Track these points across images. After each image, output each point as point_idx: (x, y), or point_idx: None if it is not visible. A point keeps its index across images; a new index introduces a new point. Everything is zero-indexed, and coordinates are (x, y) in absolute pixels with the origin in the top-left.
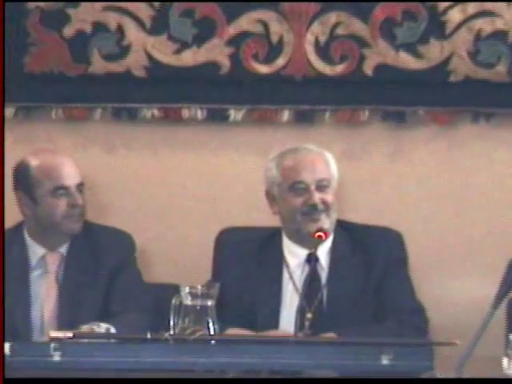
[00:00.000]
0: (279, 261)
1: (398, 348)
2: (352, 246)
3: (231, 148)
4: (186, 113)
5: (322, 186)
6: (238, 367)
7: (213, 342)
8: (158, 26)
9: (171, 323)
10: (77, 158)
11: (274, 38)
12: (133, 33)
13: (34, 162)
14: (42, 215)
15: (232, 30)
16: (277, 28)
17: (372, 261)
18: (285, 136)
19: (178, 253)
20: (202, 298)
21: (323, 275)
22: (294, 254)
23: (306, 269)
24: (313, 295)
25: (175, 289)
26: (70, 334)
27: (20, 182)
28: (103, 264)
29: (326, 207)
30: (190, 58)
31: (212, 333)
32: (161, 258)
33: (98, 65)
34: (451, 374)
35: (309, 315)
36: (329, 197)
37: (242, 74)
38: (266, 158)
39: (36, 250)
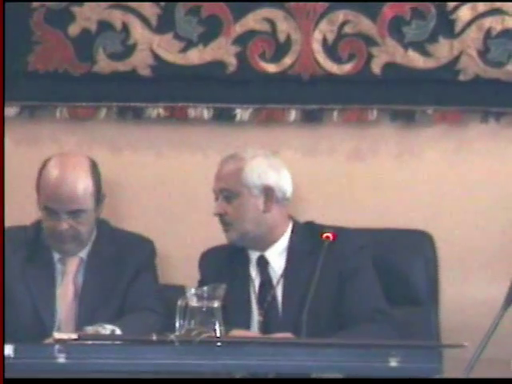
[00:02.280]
0: (246, 266)
1: (406, 350)
2: (311, 249)
3: (238, 148)
4: (191, 112)
5: (225, 197)
6: (244, 369)
7: (219, 343)
8: (163, 25)
9: (177, 325)
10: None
11: (282, 37)
12: (138, 31)
13: (48, 167)
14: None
15: (239, 28)
16: (284, 27)
17: (331, 264)
18: (292, 136)
19: (182, 252)
20: (208, 300)
21: (274, 277)
22: (250, 258)
23: (259, 273)
24: (264, 298)
25: (181, 290)
26: (74, 336)
27: (37, 183)
28: (123, 268)
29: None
30: (196, 56)
31: (218, 334)
32: (164, 259)
33: (103, 63)
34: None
35: (260, 318)
36: (229, 208)
37: (248, 73)
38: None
39: (54, 253)
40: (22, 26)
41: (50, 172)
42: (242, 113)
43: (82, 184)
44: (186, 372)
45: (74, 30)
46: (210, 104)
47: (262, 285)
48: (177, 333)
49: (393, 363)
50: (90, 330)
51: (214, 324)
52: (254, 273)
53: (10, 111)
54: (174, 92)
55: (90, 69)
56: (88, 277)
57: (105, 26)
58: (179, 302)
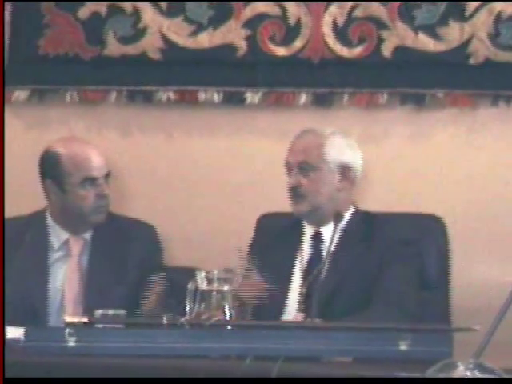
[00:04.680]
0: (300, 239)
1: (416, 334)
2: (364, 236)
3: (248, 131)
4: (202, 95)
5: (302, 169)
6: (254, 353)
7: (229, 327)
8: (174, 8)
9: (187, 308)
10: (91, 141)
11: (292, 20)
12: (148, 15)
13: (63, 151)
14: (70, 205)
15: (249, 11)
16: (294, 10)
17: (378, 246)
18: (302, 119)
19: (192, 236)
20: (219, 283)
21: (324, 254)
22: (305, 232)
23: (311, 248)
24: (310, 271)
25: (191, 273)
26: (85, 319)
27: (48, 171)
28: (127, 254)
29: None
30: (206, 40)
31: (228, 318)
32: (176, 242)
33: (114, 47)
34: (470, 361)
35: (303, 290)
36: (304, 180)
37: (258, 57)
38: (283, 141)
39: (60, 234)
40: (32, 10)
41: (70, 149)
42: (251, 96)
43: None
44: (197, 356)
45: (84, 13)
46: (220, 87)
47: (311, 258)
48: (187, 316)
49: (403, 347)
50: (99, 313)
51: (225, 307)
52: (306, 246)
53: (20, 95)
54: (184, 75)
55: (100, 52)
56: (92, 259)
57: (115, 9)
58: (189, 286)
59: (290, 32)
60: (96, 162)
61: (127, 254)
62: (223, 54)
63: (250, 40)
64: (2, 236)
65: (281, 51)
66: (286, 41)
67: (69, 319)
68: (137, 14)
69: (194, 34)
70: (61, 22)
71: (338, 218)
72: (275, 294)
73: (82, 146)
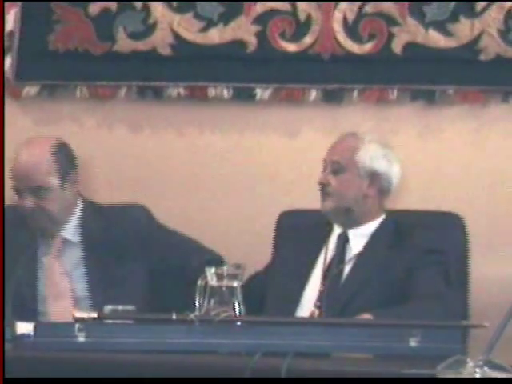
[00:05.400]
0: (325, 238)
1: (426, 330)
2: (392, 243)
3: (258, 127)
4: (211, 91)
5: (333, 169)
6: (264, 349)
7: (239, 323)
8: (184, 4)
9: (197, 304)
10: (101, 136)
11: (302, 16)
12: (159, 10)
13: (16, 151)
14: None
15: (259, 7)
16: (304, 6)
17: (405, 254)
18: (312, 115)
19: (203, 232)
20: (228, 279)
21: (348, 255)
22: (332, 231)
23: (336, 248)
24: (331, 271)
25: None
26: (94, 315)
27: None
28: (120, 241)
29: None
30: (216, 36)
31: (238, 314)
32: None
33: (124, 43)
34: (480, 357)
35: (321, 288)
36: (333, 180)
37: (268, 53)
38: (293, 137)
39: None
40: (42, 6)
41: (16, 155)
42: (261, 92)
43: (40, 162)
44: (206, 352)
45: (94, 8)
46: (230, 83)
47: (333, 258)
48: (196, 312)
49: (413, 343)
50: (109, 309)
51: (234, 303)
52: (330, 246)
53: (30, 91)
54: (194, 71)
55: (111, 48)
56: (80, 256)
57: (125, 5)
58: (199, 282)
59: (300, 28)
60: (24, 172)
61: (121, 241)
62: (233, 49)
63: (260, 36)
64: (1, 236)
65: (291, 47)
66: (296, 37)
67: (78, 315)
68: (147, 9)
69: (205, 29)
70: (71, 18)
71: (364, 222)
72: (291, 290)
73: (29, 152)
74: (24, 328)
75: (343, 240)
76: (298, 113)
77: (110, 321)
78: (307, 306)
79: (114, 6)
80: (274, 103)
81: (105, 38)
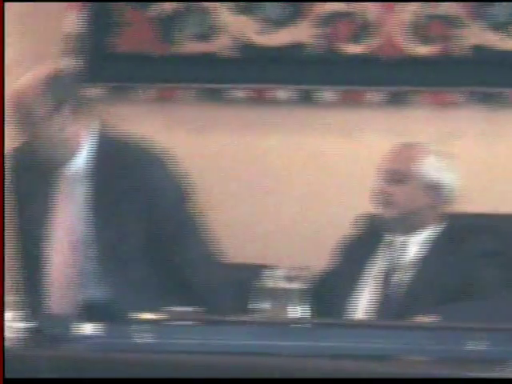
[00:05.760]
0: (384, 245)
1: (491, 333)
2: (454, 245)
3: (320, 129)
4: (275, 94)
5: (395, 179)
6: (323, 351)
7: (299, 325)
8: (248, 6)
9: (256, 306)
10: (164, 139)
11: (365, 18)
12: (221, 13)
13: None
14: None
15: (322, 9)
16: (368, 8)
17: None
18: (375, 117)
19: (265, 233)
20: (289, 281)
21: (408, 262)
22: (393, 239)
23: (395, 253)
24: (391, 279)
25: (262, 270)
26: (161, 316)
27: None
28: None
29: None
30: (278, 38)
31: (297, 316)
32: (249, 240)
33: (188, 45)
34: None
35: (381, 297)
36: (395, 190)
37: (331, 55)
38: (357, 140)
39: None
40: (108, 8)
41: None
42: (323, 94)
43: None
44: (265, 354)
45: (157, 11)
46: (293, 85)
47: (393, 266)
48: (257, 314)
49: (477, 346)
50: (176, 310)
51: (293, 305)
52: (390, 253)
53: (95, 93)
54: (257, 73)
55: (175, 50)
56: (87, 190)
57: (190, 6)
58: (258, 283)
59: (364, 30)
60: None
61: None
62: (295, 52)
63: (323, 38)
64: (1, 236)
65: (354, 49)
66: (360, 39)
67: (145, 315)
68: (210, 11)
69: (268, 32)
70: (135, 20)
71: (423, 228)
72: (349, 293)
73: None
74: (90, 328)
75: (403, 247)
76: (361, 115)
77: (176, 322)
78: (364, 310)
79: (178, 7)
80: (337, 105)
81: (167, 40)
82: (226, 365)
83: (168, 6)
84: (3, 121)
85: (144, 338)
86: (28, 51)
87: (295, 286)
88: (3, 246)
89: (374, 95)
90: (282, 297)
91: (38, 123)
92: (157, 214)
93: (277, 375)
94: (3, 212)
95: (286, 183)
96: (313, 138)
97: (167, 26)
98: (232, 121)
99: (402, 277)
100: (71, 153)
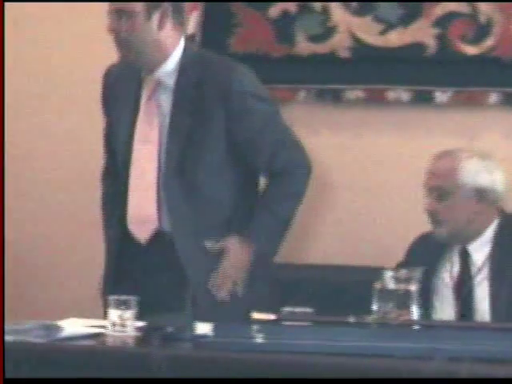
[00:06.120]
0: (446, 256)
1: None
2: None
3: (436, 131)
4: (390, 94)
5: (437, 195)
6: (442, 353)
7: (416, 327)
8: (363, 7)
9: (374, 307)
10: None
11: (483, 19)
12: (338, 13)
13: None
14: None
15: (439, 10)
16: (485, 8)
17: None
18: (492, 119)
19: (371, 235)
20: (406, 282)
21: (473, 269)
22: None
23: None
24: (461, 289)
25: (378, 272)
26: (272, 317)
27: None
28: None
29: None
30: (395, 38)
31: (415, 318)
32: (370, 240)
33: (303, 46)
34: None
35: (456, 309)
36: (440, 207)
37: (448, 55)
38: (472, 142)
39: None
40: (223, 9)
41: None
42: (441, 95)
43: None
44: (383, 355)
45: (274, 12)
46: (409, 86)
47: (460, 276)
48: (374, 315)
49: None
50: (287, 310)
51: (411, 307)
52: (454, 263)
53: None
54: (372, 74)
55: (290, 51)
56: (170, 102)
57: (305, 7)
58: (376, 285)
59: (481, 31)
60: None
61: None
62: (412, 52)
63: (440, 39)
64: (1, 237)
65: (471, 50)
66: (477, 39)
67: (256, 316)
68: (326, 12)
69: (384, 32)
70: (251, 21)
71: (481, 233)
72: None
73: None
74: (202, 328)
75: (465, 255)
76: (477, 116)
77: (287, 322)
78: None
79: (293, 8)
80: (453, 106)
81: (284, 41)
82: (342, 366)
83: (284, 6)
84: (3, 121)
85: (258, 338)
86: None
87: (412, 287)
88: (3, 246)
89: (491, 96)
90: (398, 298)
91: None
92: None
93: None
94: (3, 212)
95: (402, 183)
96: (429, 138)
97: (284, 27)
98: (348, 121)
99: (475, 286)
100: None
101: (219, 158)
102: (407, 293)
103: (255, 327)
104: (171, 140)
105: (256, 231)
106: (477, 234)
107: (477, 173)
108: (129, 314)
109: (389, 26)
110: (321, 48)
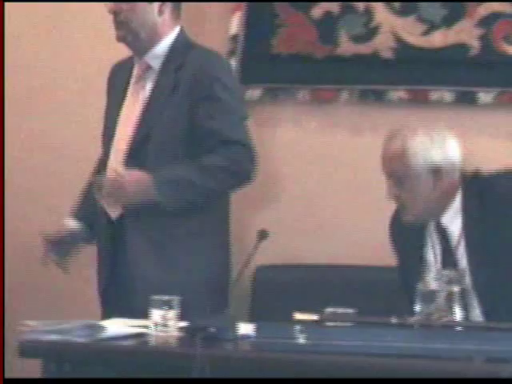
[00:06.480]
0: (424, 234)
1: None
2: (483, 205)
3: (480, 131)
4: (433, 95)
5: (395, 180)
6: (485, 355)
7: (459, 328)
8: (406, 7)
9: (417, 308)
10: (323, 139)
11: None
12: (381, 14)
13: None
14: None
15: (483, 10)
16: None
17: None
18: None
19: None
20: (449, 284)
21: (453, 242)
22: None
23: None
24: (445, 264)
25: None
26: (314, 317)
27: None
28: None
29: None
30: (438, 39)
31: (458, 319)
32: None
33: (346, 46)
34: None
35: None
36: (400, 191)
37: (492, 56)
38: None
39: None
40: (266, 10)
41: None
42: (484, 96)
43: None
44: (426, 356)
45: (317, 12)
46: (452, 87)
47: (443, 251)
48: (417, 317)
49: None
50: (329, 311)
51: (454, 308)
52: (433, 239)
53: (253, 94)
54: (415, 75)
55: (333, 51)
56: (154, 89)
57: (348, 8)
58: (419, 286)
59: None
60: None
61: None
62: (455, 53)
63: (484, 39)
64: (1, 237)
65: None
66: None
67: (299, 316)
68: (369, 13)
69: (427, 33)
70: (294, 22)
71: (448, 207)
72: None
73: None
74: (245, 328)
75: (440, 230)
76: None
77: (330, 323)
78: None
79: (336, 9)
80: (496, 107)
81: (327, 41)
82: (384, 366)
83: (327, 6)
84: (3, 121)
85: (300, 338)
86: None
87: (455, 288)
88: (3, 247)
89: None
90: (441, 299)
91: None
92: None
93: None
94: (3, 213)
95: None
96: (472, 138)
97: (327, 27)
98: (390, 122)
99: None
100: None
101: (179, 142)
102: (450, 294)
103: (297, 328)
104: (143, 120)
105: (163, 176)
106: (445, 207)
107: (426, 150)
108: (171, 314)
109: (432, 27)
110: (364, 48)
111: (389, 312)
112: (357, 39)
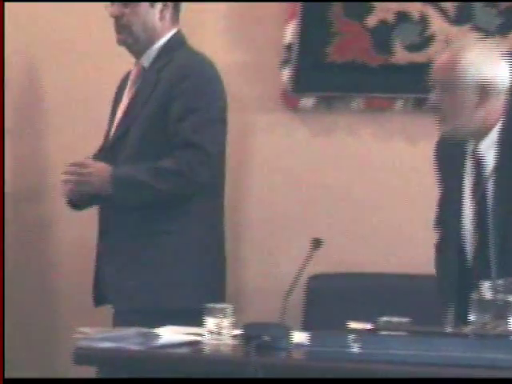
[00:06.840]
0: (462, 159)
1: None
2: None
3: None
4: None
5: (441, 89)
6: None
7: None
8: (461, 16)
9: (471, 318)
10: (377, 148)
11: None
12: (436, 23)
13: None
14: None
15: None
16: None
17: None
18: None
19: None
20: (504, 293)
21: (486, 171)
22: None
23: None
24: (476, 191)
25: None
26: (369, 326)
27: None
28: (172, 91)
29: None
30: None
31: None
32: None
33: (400, 55)
34: None
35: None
36: (444, 100)
37: None
38: None
39: None
40: (321, 18)
41: None
42: None
43: None
44: (482, 366)
45: (371, 21)
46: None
47: (475, 178)
48: (471, 326)
49: None
50: (383, 320)
51: (509, 317)
52: (468, 165)
53: (307, 102)
54: None
55: (387, 60)
56: (140, 88)
57: (402, 16)
58: (473, 295)
59: None
60: None
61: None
62: (510, 61)
63: None
64: (1, 238)
65: None
66: None
67: (352, 325)
68: (424, 21)
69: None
70: (349, 30)
71: (486, 134)
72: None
73: None
74: (299, 337)
75: (476, 157)
76: None
77: (384, 332)
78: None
79: (391, 17)
80: None
81: (382, 50)
82: (438, 376)
83: (382, 15)
84: (3, 121)
85: (354, 347)
86: (249, 60)
87: (510, 297)
88: (3, 248)
89: None
90: (496, 308)
91: None
92: None
93: None
94: (3, 213)
95: None
96: None
97: (381, 36)
98: None
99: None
100: None
101: (153, 141)
102: (505, 303)
103: (351, 337)
104: (123, 119)
105: (121, 172)
106: (484, 131)
107: (479, 64)
108: (226, 322)
109: (487, 35)
110: (418, 57)
111: (443, 321)
112: (411, 48)
